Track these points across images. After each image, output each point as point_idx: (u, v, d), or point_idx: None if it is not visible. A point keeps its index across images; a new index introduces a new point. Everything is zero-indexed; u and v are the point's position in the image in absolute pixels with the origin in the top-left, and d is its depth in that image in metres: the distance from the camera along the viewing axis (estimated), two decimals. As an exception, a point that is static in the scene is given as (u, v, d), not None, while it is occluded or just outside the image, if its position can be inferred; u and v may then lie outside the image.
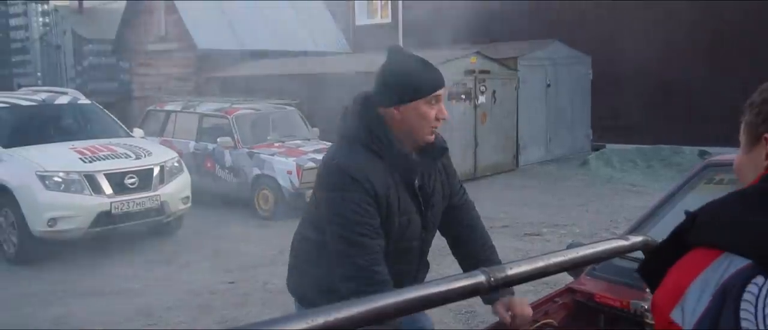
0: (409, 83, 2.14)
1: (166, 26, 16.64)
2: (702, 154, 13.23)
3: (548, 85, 14.06)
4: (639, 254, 1.77)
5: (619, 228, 8.33)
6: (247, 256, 7.50)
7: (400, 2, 19.23)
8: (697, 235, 1.15)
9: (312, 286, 2.34)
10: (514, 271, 1.38)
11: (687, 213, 1.20)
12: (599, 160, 13.36)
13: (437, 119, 2.16)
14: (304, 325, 1.11)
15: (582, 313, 2.42)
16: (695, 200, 2.62)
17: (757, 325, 0.99)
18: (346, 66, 13.68)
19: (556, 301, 2.48)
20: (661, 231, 2.40)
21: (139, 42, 17.46)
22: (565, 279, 2.58)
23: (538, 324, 2.34)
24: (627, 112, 14.58)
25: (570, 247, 2.50)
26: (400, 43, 19.11)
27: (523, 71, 13.26)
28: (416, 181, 2.24)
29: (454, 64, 11.35)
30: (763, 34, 13.39)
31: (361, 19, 20.41)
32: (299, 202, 9.32)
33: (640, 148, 13.73)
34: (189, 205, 8.38)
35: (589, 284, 2.46)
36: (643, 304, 1.79)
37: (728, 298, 1.02)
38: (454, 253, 2.47)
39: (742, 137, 1.32)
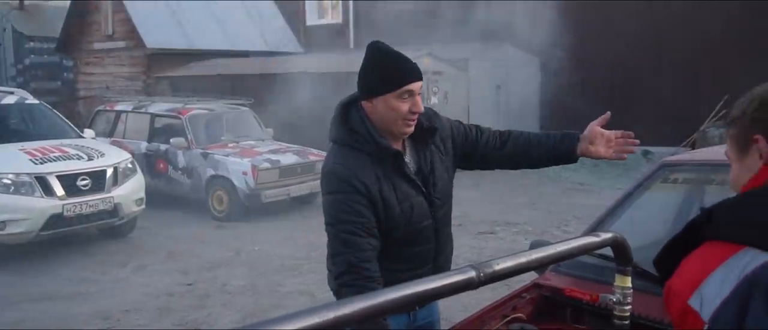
0: (379, 76, 2.22)
1: (114, 25, 16.33)
2: (645, 153, 13.69)
3: (498, 87, 14.34)
4: (606, 251, 1.90)
5: (569, 225, 8.59)
6: (203, 258, 7.47)
7: (351, 2, 19.28)
8: (714, 230, 1.25)
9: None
10: (500, 266, 1.47)
11: (702, 209, 1.30)
12: (548, 160, 13.67)
13: (412, 113, 2.22)
14: (299, 325, 1.12)
15: (549, 307, 2.54)
16: (651, 199, 2.78)
17: None
18: (297, 66, 13.68)
19: (524, 297, 2.60)
20: (621, 228, 2.54)
21: (85, 40, 17.09)
22: (529, 275, 2.70)
23: (507, 318, 2.45)
24: (574, 113, 14.94)
25: (533, 246, 2.63)
26: (351, 43, 19.19)
27: (473, 72, 13.49)
28: (410, 166, 2.32)
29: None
30: (703, 38, 13.93)
31: (312, 19, 20.37)
32: (255, 202, 9.32)
33: (587, 148, 14.10)
34: (143, 206, 8.29)
35: (555, 280, 2.58)
36: (611, 298, 1.90)
37: (756, 289, 1.12)
38: (525, 164, 2.53)
39: (731, 152, 1.40)
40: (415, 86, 2.22)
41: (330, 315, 1.19)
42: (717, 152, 2.01)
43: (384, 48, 2.26)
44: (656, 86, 14.34)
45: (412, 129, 2.27)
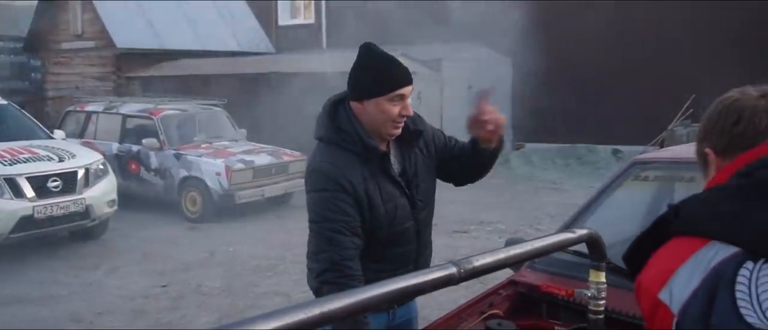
0: (371, 80, 2.25)
1: (83, 24, 16.12)
2: (615, 152, 13.91)
3: (470, 87, 14.42)
4: (581, 248, 1.95)
5: (542, 224, 8.69)
6: (177, 260, 7.42)
7: (324, 2, 19.25)
8: (682, 225, 1.30)
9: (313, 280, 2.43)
10: (480, 262, 1.51)
11: (669, 205, 1.35)
12: (520, 159, 13.84)
13: (401, 116, 2.26)
14: (284, 322, 1.13)
15: (525, 303, 2.58)
16: (624, 195, 2.85)
17: (752, 305, 1.13)
18: (270, 66, 13.64)
19: (500, 294, 2.64)
20: (595, 224, 2.59)
21: (53, 40, 16.84)
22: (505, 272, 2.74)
23: (484, 315, 2.49)
24: (545, 112, 15.12)
25: (508, 243, 2.67)
26: (324, 44, 19.16)
27: (447, 72, 13.57)
28: (395, 168, 2.35)
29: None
30: (671, 39, 14.18)
31: (284, 19, 20.30)
32: (229, 203, 9.28)
33: (558, 147, 14.30)
34: (115, 208, 8.21)
35: (530, 276, 2.63)
36: (586, 293, 1.94)
37: (722, 281, 1.16)
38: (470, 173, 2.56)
39: (701, 169, 1.48)
40: (406, 90, 2.25)
41: (315, 311, 1.20)
42: (687, 150, 2.07)
43: (377, 51, 2.28)
44: (625, 86, 14.56)
45: (399, 131, 2.30)
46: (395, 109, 2.24)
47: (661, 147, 10.84)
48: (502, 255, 1.58)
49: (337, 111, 2.33)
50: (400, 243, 2.36)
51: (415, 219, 2.38)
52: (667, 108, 13.96)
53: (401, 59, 2.35)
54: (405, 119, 2.29)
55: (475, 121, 2.33)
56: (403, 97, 2.25)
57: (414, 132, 2.38)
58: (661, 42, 14.33)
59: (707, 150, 1.41)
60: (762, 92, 1.39)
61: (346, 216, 2.19)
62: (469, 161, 2.50)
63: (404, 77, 2.25)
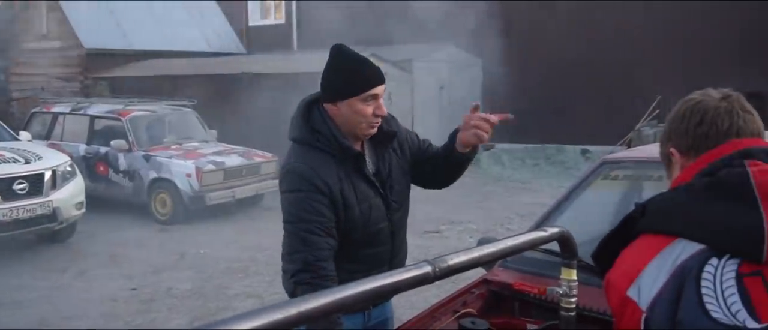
0: (343, 81, 2.24)
1: (48, 24, 15.86)
2: (584, 152, 14.09)
3: (442, 88, 14.50)
4: (552, 246, 1.98)
5: (512, 223, 8.77)
6: (147, 262, 7.33)
7: (294, 3, 19.20)
8: (648, 223, 1.33)
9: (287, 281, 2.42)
10: (454, 261, 1.52)
11: (637, 204, 1.38)
12: (490, 159, 13.94)
13: (376, 115, 2.26)
14: (259, 322, 1.12)
15: (497, 301, 2.61)
16: (594, 194, 2.89)
17: (717, 300, 1.16)
18: (240, 67, 13.55)
19: (473, 292, 2.66)
20: (565, 223, 2.63)
21: (17, 40, 16.52)
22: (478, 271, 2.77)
23: (458, 314, 2.51)
24: (515, 112, 15.21)
25: (481, 243, 2.70)
26: (294, 44, 19.10)
27: (417, 73, 13.61)
28: (369, 168, 2.35)
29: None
30: (639, 41, 14.40)
31: (255, 20, 20.20)
32: (199, 205, 9.21)
33: (528, 147, 14.44)
34: (83, 210, 8.09)
35: (502, 275, 2.66)
36: (558, 290, 1.97)
37: (688, 277, 1.20)
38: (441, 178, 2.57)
39: (667, 172, 1.53)
40: (379, 90, 2.25)
41: (292, 311, 1.20)
42: (655, 150, 2.12)
43: (348, 51, 2.28)
44: (593, 87, 14.76)
45: (374, 131, 2.31)
46: (369, 109, 2.24)
47: (629, 147, 11.01)
48: (476, 254, 1.60)
49: (311, 111, 2.32)
50: (374, 244, 2.36)
51: (389, 220, 2.39)
52: (634, 109, 14.19)
53: (372, 60, 2.35)
54: (379, 119, 2.29)
55: (472, 122, 2.32)
56: (376, 97, 2.25)
57: (388, 133, 2.39)
58: (629, 44, 14.55)
59: (672, 150, 1.45)
60: (723, 95, 1.43)
61: (320, 216, 2.19)
62: (442, 165, 2.51)
63: (376, 77, 2.26)
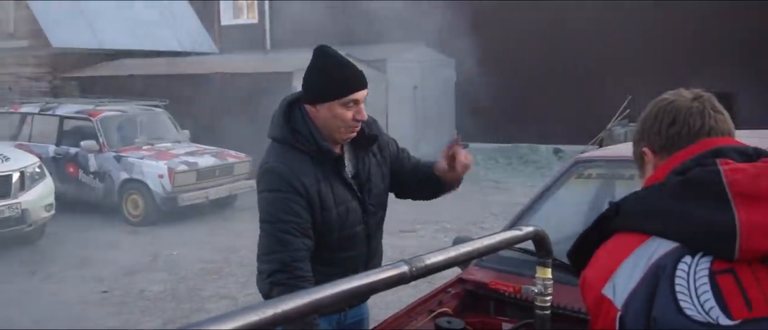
0: (325, 84, 2.22)
1: (15, 22, 15.54)
2: (556, 151, 14.22)
3: (415, 87, 14.53)
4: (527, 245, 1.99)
5: (486, 222, 8.81)
6: (118, 264, 7.24)
7: (267, 2, 19.09)
8: (623, 222, 1.34)
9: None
10: (431, 260, 1.52)
11: (611, 203, 1.39)
12: (464, 159, 13.97)
13: (356, 120, 2.23)
14: (237, 324, 1.11)
15: (473, 301, 2.62)
16: (567, 193, 2.91)
17: (691, 298, 1.17)
18: (213, 67, 13.44)
19: (449, 292, 2.67)
20: (539, 222, 2.65)
21: (-17, 39, 16.19)
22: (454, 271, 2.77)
23: (434, 313, 2.51)
24: (488, 112, 15.35)
25: (456, 242, 2.71)
26: (268, 44, 19.00)
27: (391, 73, 13.62)
28: (348, 171, 2.33)
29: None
30: (608, 42, 14.57)
31: (227, 19, 20.06)
32: (172, 206, 9.12)
33: (501, 147, 14.53)
34: (52, 212, 7.97)
35: (478, 274, 2.67)
36: (533, 289, 1.98)
37: (662, 275, 1.21)
38: (418, 193, 2.57)
39: (639, 171, 1.55)
40: (361, 95, 2.23)
41: (269, 312, 1.19)
42: (627, 149, 2.14)
43: (331, 54, 2.25)
44: (565, 87, 14.90)
45: (354, 135, 2.29)
46: (349, 114, 2.21)
47: (600, 146, 11.14)
48: (452, 253, 1.60)
49: (292, 111, 2.30)
50: (350, 247, 2.35)
51: (365, 223, 2.38)
52: (605, 108, 14.36)
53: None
54: (359, 124, 2.26)
55: (448, 160, 2.35)
56: (357, 102, 2.22)
57: (369, 136, 2.37)
58: (600, 45, 14.71)
59: (645, 149, 1.47)
60: (695, 95, 1.46)
61: (297, 217, 2.17)
62: (423, 183, 2.51)
63: (358, 82, 2.23)
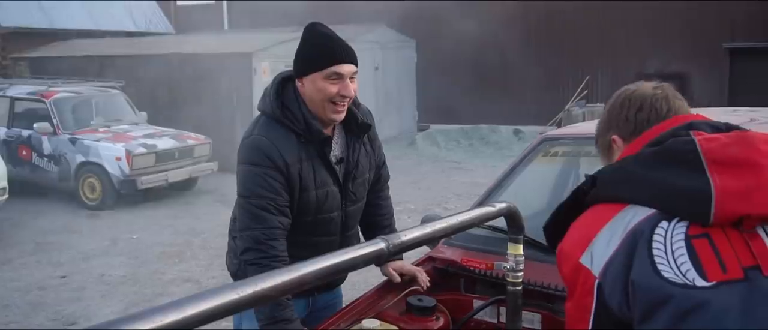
0: (308, 54, 2.16)
1: (-38, 1, 15.01)
2: (516, 132, 14.36)
3: (376, 68, 14.49)
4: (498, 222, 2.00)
5: (449, 202, 8.87)
6: (77, 249, 7.10)
7: (225, -18, 18.77)
8: (599, 192, 1.38)
9: (232, 261, 2.37)
10: (408, 237, 1.52)
11: (587, 176, 1.42)
12: (426, 140, 14.05)
13: (341, 96, 2.16)
14: (217, 302, 1.08)
15: (443, 278, 2.63)
16: (535, 170, 2.94)
17: (668, 261, 1.21)
18: (169, 47, 13.17)
19: (419, 270, 2.67)
20: (508, 199, 2.67)
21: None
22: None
23: (405, 292, 2.52)
24: (449, 94, 15.41)
25: (424, 221, 2.71)
26: (225, 25, 18.71)
27: (352, 54, 13.55)
28: (333, 155, 2.29)
29: (283, 47, 11.33)
30: (566, 24, 14.74)
31: (183, -1, 19.68)
32: (130, 189, 8.96)
33: (462, 128, 14.61)
34: (6, 196, 7.75)
35: (447, 252, 2.68)
36: (505, 266, 2.00)
37: (640, 240, 1.24)
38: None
39: (602, 159, 1.61)
40: (345, 69, 2.14)
41: (248, 291, 1.16)
42: (592, 126, 2.17)
43: (319, 28, 2.19)
44: (525, 69, 15.05)
45: (341, 116, 2.21)
46: (333, 88, 2.14)
47: (559, 126, 11.28)
48: (428, 229, 1.60)
49: (285, 87, 2.24)
50: (324, 232, 2.32)
51: (343, 210, 2.35)
52: (564, 90, 14.56)
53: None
54: (346, 101, 2.20)
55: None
56: (341, 76, 2.14)
57: (362, 124, 2.32)
58: (559, 27, 14.87)
59: (614, 137, 1.52)
60: (655, 85, 1.52)
61: (275, 193, 2.13)
62: (364, 219, 2.53)
63: (343, 53, 2.15)
